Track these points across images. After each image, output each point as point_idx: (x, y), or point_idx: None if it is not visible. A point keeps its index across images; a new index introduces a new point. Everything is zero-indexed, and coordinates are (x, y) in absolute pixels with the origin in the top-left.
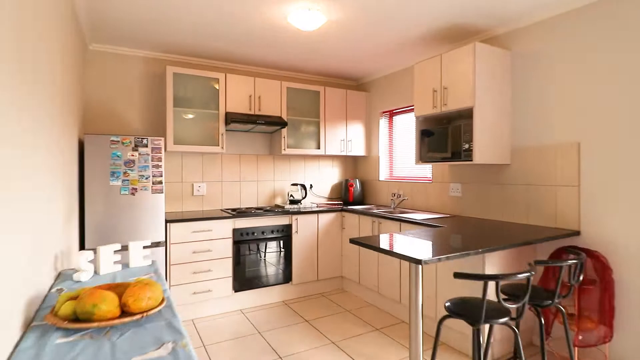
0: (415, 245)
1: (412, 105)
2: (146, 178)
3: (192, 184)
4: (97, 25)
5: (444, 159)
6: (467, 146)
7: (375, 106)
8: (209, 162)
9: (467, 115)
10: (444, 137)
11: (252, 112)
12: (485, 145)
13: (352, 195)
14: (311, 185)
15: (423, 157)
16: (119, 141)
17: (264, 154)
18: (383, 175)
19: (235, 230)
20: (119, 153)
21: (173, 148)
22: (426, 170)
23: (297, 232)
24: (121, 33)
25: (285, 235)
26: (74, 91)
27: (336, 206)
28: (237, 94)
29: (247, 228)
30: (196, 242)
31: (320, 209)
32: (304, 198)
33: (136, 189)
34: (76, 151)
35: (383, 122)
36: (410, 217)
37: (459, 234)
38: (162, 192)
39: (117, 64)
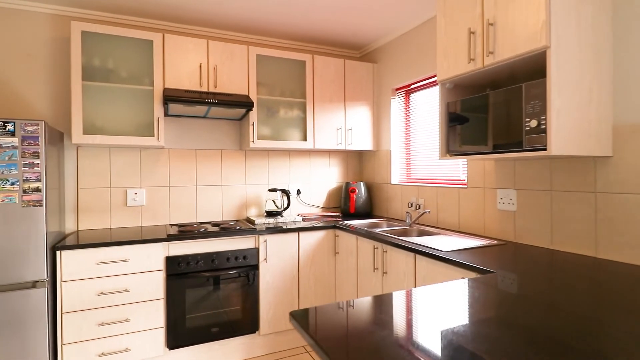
0: (441, 341)
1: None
2: (12, 183)
3: (126, 191)
4: None
5: (487, 150)
6: (533, 124)
7: (386, 82)
8: (149, 161)
9: (525, 73)
10: (489, 113)
11: (204, 89)
12: (569, 122)
13: (354, 204)
14: (298, 190)
15: (452, 147)
16: None
17: (231, 149)
18: (397, 176)
19: (169, 260)
20: None
21: (82, 139)
22: (458, 169)
23: (266, 259)
24: None
25: (248, 265)
26: None
27: (330, 219)
28: (182, 63)
29: (188, 256)
30: (105, 279)
31: (304, 225)
32: (285, 208)
33: None
34: None
35: (397, 104)
36: (432, 243)
37: (525, 295)
38: (42, 205)
39: (10, 22)
